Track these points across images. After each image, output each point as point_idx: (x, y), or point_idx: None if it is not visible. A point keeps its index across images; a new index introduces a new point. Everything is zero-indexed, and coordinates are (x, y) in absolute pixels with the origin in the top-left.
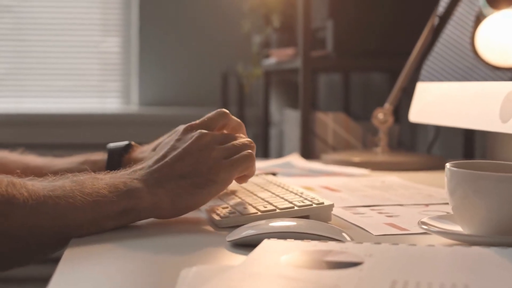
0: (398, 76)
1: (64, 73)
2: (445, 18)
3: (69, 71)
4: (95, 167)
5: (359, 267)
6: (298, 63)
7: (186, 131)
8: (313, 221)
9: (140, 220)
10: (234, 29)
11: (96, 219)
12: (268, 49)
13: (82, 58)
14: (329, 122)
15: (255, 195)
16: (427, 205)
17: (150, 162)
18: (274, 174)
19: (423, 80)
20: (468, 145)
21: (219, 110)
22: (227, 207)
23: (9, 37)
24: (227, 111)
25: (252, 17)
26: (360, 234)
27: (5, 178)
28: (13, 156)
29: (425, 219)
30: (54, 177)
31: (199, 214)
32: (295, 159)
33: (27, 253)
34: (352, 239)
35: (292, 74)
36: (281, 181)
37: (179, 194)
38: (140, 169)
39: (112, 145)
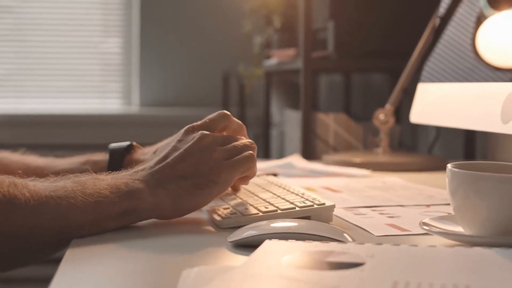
0: (399, 77)
1: (64, 74)
2: (446, 19)
3: (69, 71)
4: (97, 168)
5: (360, 268)
6: (299, 64)
7: (188, 132)
8: (314, 222)
9: (141, 220)
10: (235, 30)
11: (98, 220)
12: (269, 50)
13: (83, 58)
14: (330, 122)
15: (256, 195)
16: (428, 205)
17: (151, 163)
18: (275, 174)
19: (424, 81)
20: (469, 146)
21: (220, 111)
22: (228, 208)
23: (9, 37)
24: (228, 112)
25: (253, 17)
26: (361, 234)
27: (6, 179)
28: (14, 157)
29: (426, 220)
30: (56, 178)
31: (200, 214)
32: (296, 160)
33: (28, 253)
34: (353, 240)
35: (293, 75)
36: (282, 182)
37: (180, 195)
38: (141, 170)
39: (113, 145)
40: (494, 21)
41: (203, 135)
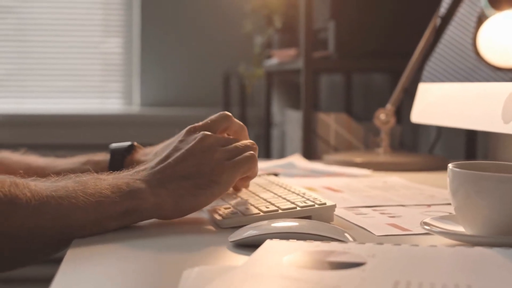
0: (400, 77)
1: (65, 74)
2: (447, 19)
3: (70, 71)
4: (98, 168)
5: (361, 268)
6: (300, 64)
7: (189, 133)
8: (315, 222)
9: (142, 220)
10: (236, 30)
11: (99, 220)
12: (270, 50)
13: (84, 58)
14: (331, 122)
15: (257, 195)
16: (429, 205)
17: (153, 163)
18: (276, 174)
19: (425, 81)
20: (470, 145)
21: (221, 112)
22: (229, 208)
23: (11, 37)
24: (230, 114)
25: (253, 17)
26: (362, 234)
27: (7, 179)
28: (15, 157)
29: (427, 220)
30: (57, 178)
31: (201, 214)
32: (297, 160)
33: (29, 253)
34: (354, 240)
35: (294, 75)
36: (283, 182)
37: (181, 195)
38: (143, 170)
39: (114, 145)
40: (495, 21)
41: (205, 136)
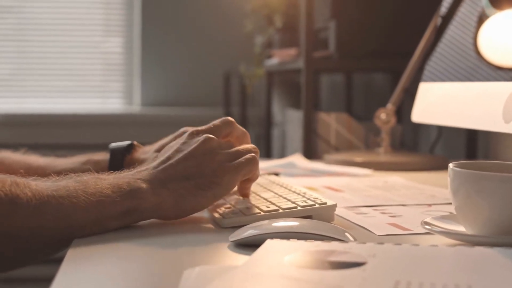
0: (400, 77)
1: (66, 74)
2: (447, 18)
3: (71, 71)
4: (98, 167)
5: (362, 267)
6: (300, 64)
7: (192, 136)
8: (316, 221)
9: (143, 220)
10: (236, 30)
11: (99, 219)
12: (271, 50)
13: (84, 58)
14: (331, 122)
15: (258, 195)
16: (430, 205)
17: (154, 163)
18: (276, 174)
19: (425, 81)
20: (470, 145)
21: (224, 118)
22: (230, 207)
23: (11, 37)
24: (233, 119)
25: (254, 17)
26: (363, 234)
27: (8, 178)
28: (15, 156)
29: (428, 219)
30: (58, 177)
31: (202, 214)
32: (298, 159)
33: (29, 253)
34: (355, 239)
35: (294, 75)
36: (284, 181)
37: (182, 195)
38: (144, 170)
39: (114, 145)
40: (496, 20)
41: (207, 138)
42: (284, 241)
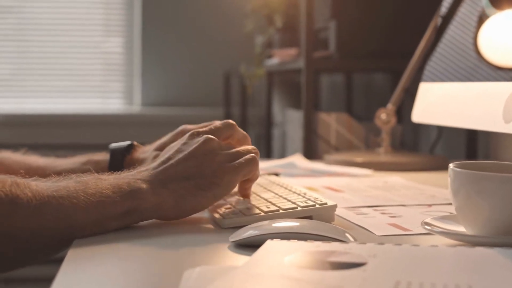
0: (400, 77)
1: (66, 74)
2: (447, 19)
3: (71, 71)
4: (98, 167)
5: (362, 268)
6: (300, 64)
7: (193, 136)
8: (316, 222)
9: (143, 220)
10: (237, 30)
11: (100, 220)
12: (271, 50)
13: (85, 58)
14: (331, 122)
15: (258, 195)
16: (430, 205)
17: (154, 164)
18: (277, 174)
19: (425, 81)
20: (471, 145)
21: (225, 121)
22: (230, 208)
23: (11, 37)
24: (234, 122)
25: (254, 17)
26: (363, 234)
27: (9, 178)
28: (15, 157)
29: (428, 220)
30: (58, 178)
31: (202, 214)
32: (298, 160)
33: (30, 253)
34: (355, 240)
35: (294, 75)
36: (284, 182)
37: (182, 195)
38: (144, 170)
39: (114, 145)
40: (496, 20)
41: (208, 139)
42: (285, 242)
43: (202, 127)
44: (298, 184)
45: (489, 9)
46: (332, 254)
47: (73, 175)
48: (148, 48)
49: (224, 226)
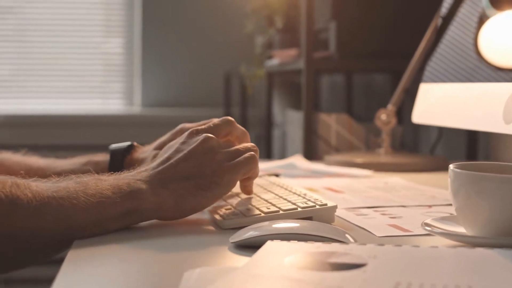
0: (401, 77)
1: (66, 74)
2: (448, 19)
3: (71, 72)
4: (98, 168)
5: (362, 269)
6: (301, 64)
7: (191, 135)
8: (316, 223)
9: (143, 221)
10: (237, 30)
11: (100, 220)
12: (271, 50)
13: (85, 59)
14: (332, 123)
15: (258, 196)
16: (430, 206)
17: (154, 164)
18: (277, 175)
19: (426, 81)
20: (471, 146)
21: (224, 117)
22: (230, 208)
23: (11, 38)
24: (232, 119)
25: (254, 18)
26: (363, 235)
27: (9, 179)
28: (15, 157)
29: (428, 221)
30: (58, 178)
31: (202, 215)
32: (298, 160)
33: (30, 254)
34: (355, 241)
35: (295, 75)
36: (284, 183)
37: (182, 195)
38: (144, 171)
39: (114, 146)
40: (496, 21)
41: (207, 138)
42: (285, 243)
43: (200, 125)
44: (298, 185)
45: (490, 10)
46: (332, 255)
47: (73, 176)
48: (148, 48)
49: (224, 227)
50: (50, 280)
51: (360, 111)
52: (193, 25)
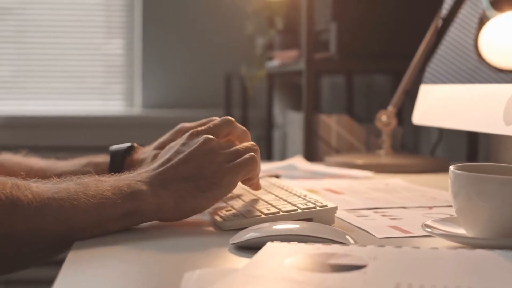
0: (401, 78)
1: (67, 76)
2: (448, 20)
3: (72, 73)
4: (98, 169)
5: (363, 270)
6: (301, 65)
7: (192, 136)
8: (316, 224)
9: (143, 222)
10: (237, 31)
11: (100, 222)
12: (272, 51)
13: (85, 60)
14: (332, 124)
15: (259, 197)
16: (430, 207)
17: (154, 165)
18: (277, 176)
19: (426, 82)
20: (471, 147)
21: (224, 117)
22: (230, 210)
23: (12, 39)
24: (232, 118)
25: (255, 19)
26: (363, 236)
27: (9, 180)
28: (16, 159)
29: (428, 222)
30: (58, 179)
31: (202, 216)
32: (299, 162)
33: (30, 255)
34: (355, 242)
35: (295, 76)
36: (285, 184)
37: (183, 196)
38: (144, 172)
39: (114, 147)
40: (497, 22)
41: (207, 139)
42: (285, 244)
43: (200, 125)
44: (298, 186)
45: (490, 11)
46: (333, 256)
47: (73, 177)
48: (148, 50)
49: (224, 228)
50: (51, 281)
51: (361, 112)
52: (194, 26)
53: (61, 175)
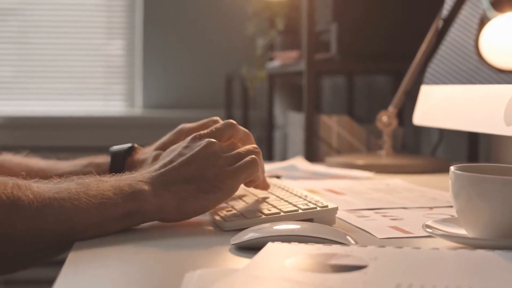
0: (402, 79)
1: (68, 76)
2: (449, 21)
3: (73, 73)
4: (99, 170)
5: (363, 271)
6: (302, 66)
7: (194, 140)
8: (317, 224)
9: (144, 222)
10: (238, 32)
11: (101, 222)
12: (272, 52)
13: (86, 60)
14: (333, 125)
15: (259, 198)
16: (431, 208)
17: (156, 166)
18: (278, 177)
19: (427, 83)
20: (472, 148)
21: (226, 121)
22: (231, 210)
23: (13, 40)
24: (234, 122)
25: (256, 20)
26: (364, 237)
27: (10, 180)
28: (17, 159)
29: (429, 222)
30: (59, 180)
31: (203, 216)
32: (299, 162)
33: (31, 255)
34: (356, 242)
35: (296, 77)
36: (285, 184)
37: (184, 197)
38: (146, 172)
39: (115, 148)
40: (497, 23)
41: (210, 143)
42: (285, 244)
43: (200, 125)
44: (299, 186)
45: (490, 12)
46: (333, 256)
47: (74, 177)
48: (149, 50)
49: (225, 229)
50: (51, 281)
51: (361, 112)
52: (194, 27)
53: (62, 175)
